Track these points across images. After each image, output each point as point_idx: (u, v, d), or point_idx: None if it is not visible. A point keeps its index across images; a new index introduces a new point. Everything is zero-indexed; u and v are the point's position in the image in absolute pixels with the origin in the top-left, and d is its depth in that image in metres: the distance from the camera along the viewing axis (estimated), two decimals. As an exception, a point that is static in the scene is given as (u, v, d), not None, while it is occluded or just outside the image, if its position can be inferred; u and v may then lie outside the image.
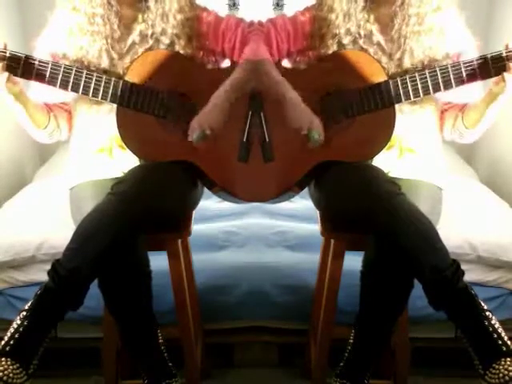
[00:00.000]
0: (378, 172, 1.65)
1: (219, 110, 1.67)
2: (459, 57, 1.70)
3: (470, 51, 1.71)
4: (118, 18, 1.72)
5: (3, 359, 1.43)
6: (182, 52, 1.73)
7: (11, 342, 1.45)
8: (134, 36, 1.73)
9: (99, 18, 1.70)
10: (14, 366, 1.43)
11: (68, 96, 1.74)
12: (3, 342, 1.46)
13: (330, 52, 1.72)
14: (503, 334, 1.48)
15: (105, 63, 1.70)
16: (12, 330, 1.48)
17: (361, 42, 1.72)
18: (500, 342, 1.46)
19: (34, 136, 1.81)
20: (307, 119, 1.67)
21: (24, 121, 1.73)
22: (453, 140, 1.84)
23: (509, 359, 1.44)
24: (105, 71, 1.69)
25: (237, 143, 1.69)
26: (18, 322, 1.49)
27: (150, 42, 1.73)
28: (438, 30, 1.71)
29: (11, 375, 1.41)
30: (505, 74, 1.60)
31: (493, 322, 1.49)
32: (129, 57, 1.72)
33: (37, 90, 1.73)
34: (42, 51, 1.73)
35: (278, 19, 1.79)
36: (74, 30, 1.71)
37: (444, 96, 1.73)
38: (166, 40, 1.73)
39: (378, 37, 1.72)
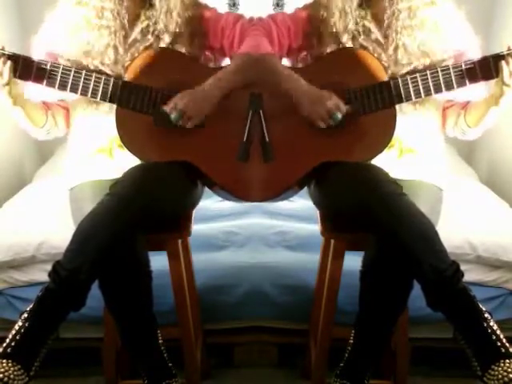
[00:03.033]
0: (379, 172, 1.64)
1: (210, 98, 1.66)
2: (462, 55, 1.70)
3: (473, 49, 1.71)
4: (128, 13, 1.71)
5: (4, 361, 1.43)
6: (183, 50, 1.73)
7: (12, 344, 1.45)
8: (136, 33, 1.73)
9: (108, 13, 1.69)
10: (16, 368, 1.43)
11: (66, 95, 1.73)
12: (5, 344, 1.46)
13: (328, 51, 1.72)
14: (502, 336, 1.48)
15: (110, 59, 1.69)
16: (13, 331, 1.48)
17: (360, 39, 1.72)
18: (499, 344, 1.46)
19: (32, 134, 1.81)
20: (324, 107, 1.63)
21: (22, 121, 1.73)
22: (455, 137, 1.85)
23: (507, 361, 1.44)
24: (108, 66, 1.68)
25: (236, 143, 1.69)
26: (20, 323, 1.49)
27: (151, 39, 1.73)
28: (432, 24, 1.70)
29: (12, 377, 1.41)
30: (503, 74, 1.59)
31: (491, 323, 1.49)
32: (129, 54, 1.72)
33: (33, 89, 1.72)
34: (38, 50, 1.72)
35: (278, 15, 1.80)
36: (79, 25, 1.70)
37: (447, 94, 1.73)
38: (167, 38, 1.73)
39: (376, 34, 1.72)
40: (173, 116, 1.64)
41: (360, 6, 1.72)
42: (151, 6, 1.73)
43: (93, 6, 1.70)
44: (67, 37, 1.71)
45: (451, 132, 1.83)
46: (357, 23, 1.71)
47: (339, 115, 1.64)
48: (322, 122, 1.65)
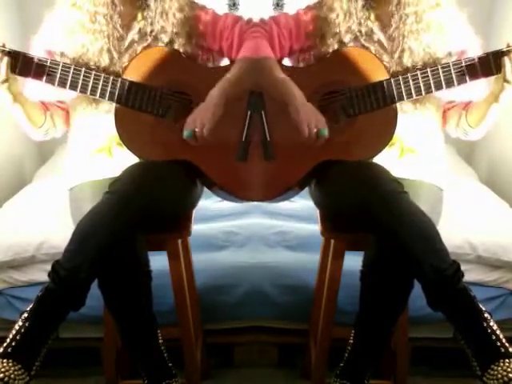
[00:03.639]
0: (380, 170, 1.64)
1: (213, 107, 1.66)
2: (463, 55, 1.70)
3: (474, 49, 1.71)
4: (121, 17, 1.72)
5: (5, 361, 1.43)
6: (181, 50, 1.73)
7: (13, 344, 1.45)
8: (133, 34, 1.73)
9: (102, 17, 1.70)
10: (16, 368, 1.43)
11: (65, 94, 1.74)
12: (5, 344, 1.46)
13: (331, 51, 1.72)
14: (501, 336, 1.48)
15: (104, 62, 1.70)
16: (14, 331, 1.48)
17: (362, 39, 1.72)
18: (498, 344, 1.46)
19: (30, 134, 1.81)
20: (314, 119, 1.64)
21: (21, 120, 1.73)
22: (458, 137, 1.85)
23: (507, 361, 1.44)
24: (104, 70, 1.69)
25: (236, 143, 1.69)
26: (20, 323, 1.49)
27: (149, 39, 1.73)
28: (437, 26, 1.71)
29: (13, 376, 1.41)
30: (505, 70, 1.59)
31: (491, 323, 1.49)
32: (127, 55, 1.72)
33: (33, 88, 1.72)
34: (37, 49, 1.73)
35: (281, 17, 1.80)
36: (74, 28, 1.71)
37: (447, 94, 1.73)
38: (165, 38, 1.73)
39: (378, 35, 1.72)
40: (185, 134, 1.65)
41: (364, 6, 1.72)
42: (147, 6, 1.73)
43: (86, 11, 1.71)
44: (64, 38, 1.72)
45: (454, 133, 1.84)
46: (360, 24, 1.71)
47: (326, 131, 1.64)
48: (307, 132, 1.64)
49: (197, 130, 1.64)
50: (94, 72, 1.65)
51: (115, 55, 1.71)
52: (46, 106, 1.78)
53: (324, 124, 1.65)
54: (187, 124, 1.66)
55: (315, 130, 1.63)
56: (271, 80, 1.69)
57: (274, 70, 1.71)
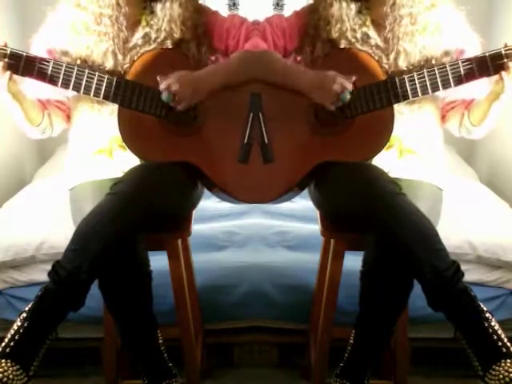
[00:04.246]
0: (378, 172, 1.64)
1: (208, 93, 1.65)
2: (462, 54, 1.70)
3: (473, 48, 1.71)
4: (126, 19, 1.71)
5: (3, 361, 1.43)
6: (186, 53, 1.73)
7: (11, 344, 1.46)
8: (137, 38, 1.73)
9: (107, 19, 1.69)
10: (15, 368, 1.43)
11: (66, 93, 1.73)
12: (3, 344, 1.46)
13: (326, 52, 1.72)
14: (503, 336, 1.48)
15: (109, 64, 1.69)
16: (12, 331, 1.48)
17: (358, 45, 1.71)
18: (500, 344, 1.46)
19: (27, 132, 1.80)
20: (330, 91, 1.61)
21: (18, 118, 1.72)
22: (460, 137, 1.85)
23: (509, 361, 1.44)
24: (108, 72, 1.68)
25: (237, 145, 1.69)
26: (19, 323, 1.49)
27: (153, 45, 1.72)
28: (434, 27, 1.70)
29: (11, 377, 1.41)
30: (503, 72, 1.59)
31: (493, 323, 1.49)
32: (129, 57, 1.72)
33: (32, 85, 1.71)
34: (38, 47, 1.72)
35: (275, 18, 1.80)
36: (78, 28, 1.71)
37: (449, 94, 1.73)
38: (170, 45, 1.72)
39: (375, 39, 1.72)
40: (164, 97, 1.63)
41: (359, 12, 1.71)
42: (152, 12, 1.72)
43: (91, 12, 1.70)
44: (67, 38, 1.71)
45: (457, 132, 1.83)
46: (354, 30, 1.70)
47: (347, 95, 1.62)
48: (331, 105, 1.63)
49: (178, 97, 1.61)
50: (97, 73, 1.65)
51: (120, 57, 1.70)
52: (45, 104, 1.78)
53: (342, 86, 1.60)
54: (170, 86, 1.62)
55: (337, 101, 1.61)
56: (274, 71, 1.68)
57: (275, 61, 1.70)
